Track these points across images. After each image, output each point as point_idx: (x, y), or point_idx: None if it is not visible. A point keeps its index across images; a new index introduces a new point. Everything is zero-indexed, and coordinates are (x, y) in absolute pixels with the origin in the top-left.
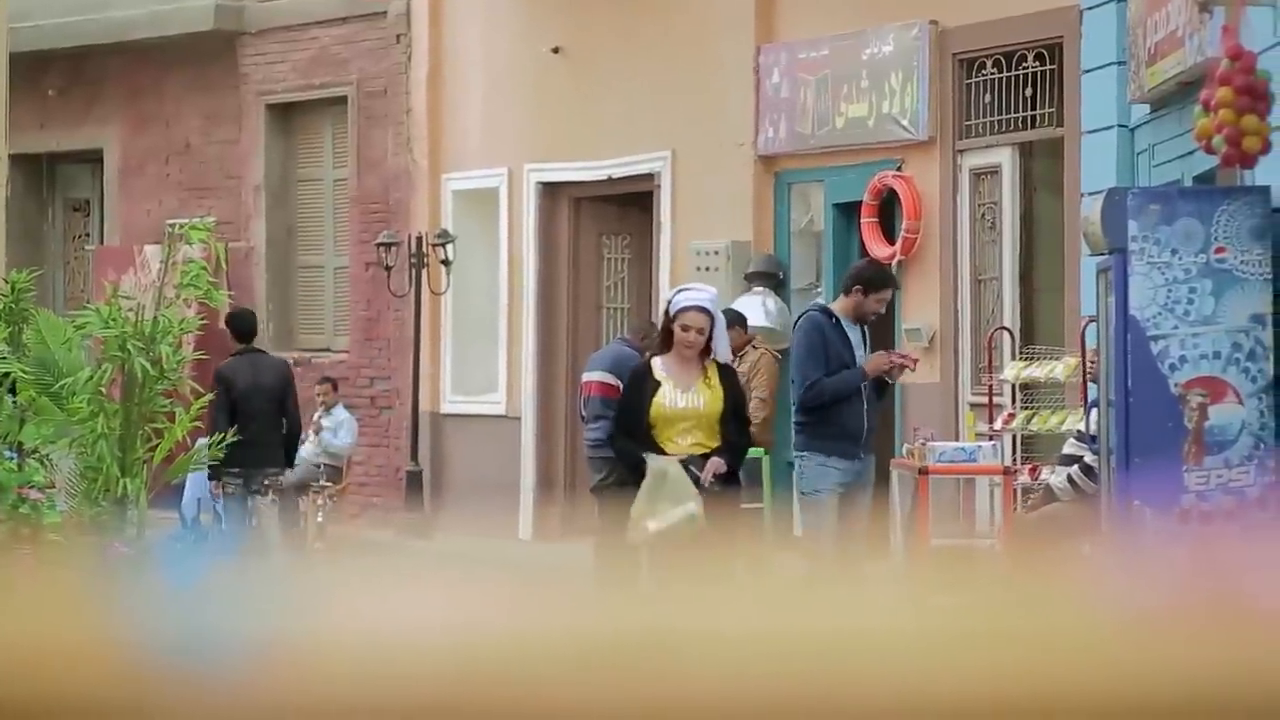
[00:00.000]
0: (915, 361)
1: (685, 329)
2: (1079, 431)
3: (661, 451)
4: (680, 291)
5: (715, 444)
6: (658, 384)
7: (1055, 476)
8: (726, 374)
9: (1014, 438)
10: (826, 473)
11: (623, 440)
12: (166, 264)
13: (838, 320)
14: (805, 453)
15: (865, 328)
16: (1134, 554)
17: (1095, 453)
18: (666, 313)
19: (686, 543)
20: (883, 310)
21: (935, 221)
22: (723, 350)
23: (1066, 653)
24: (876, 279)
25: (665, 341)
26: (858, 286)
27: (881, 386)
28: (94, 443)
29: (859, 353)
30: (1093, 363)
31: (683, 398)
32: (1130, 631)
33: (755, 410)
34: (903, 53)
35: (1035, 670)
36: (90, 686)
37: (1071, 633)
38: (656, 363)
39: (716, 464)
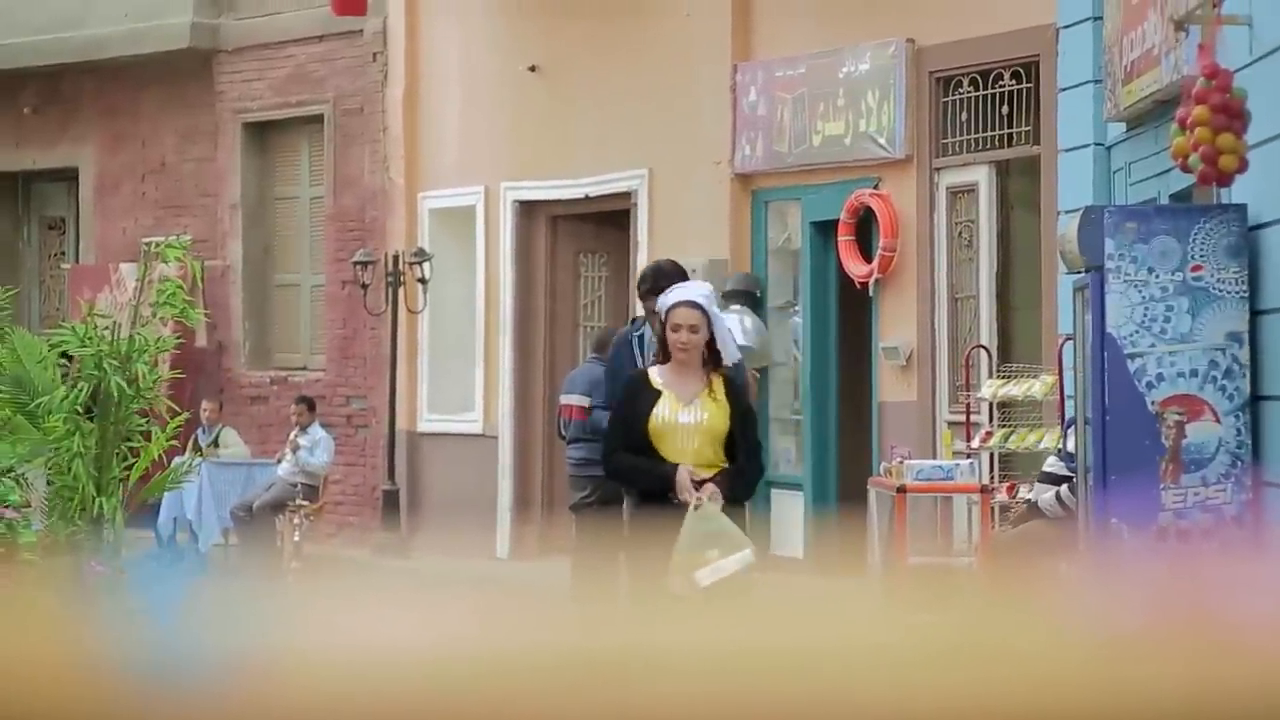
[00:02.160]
0: None
1: (676, 328)
2: (1059, 449)
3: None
4: (669, 292)
5: (719, 465)
6: (657, 393)
7: (1043, 495)
8: (732, 388)
9: (991, 456)
10: None
11: (626, 456)
12: (142, 282)
13: None
14: None
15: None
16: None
17: (1074, 470)
18: (661, 320)
19: (740, 595)
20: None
21: (912, 240)
22: (729, 351)
23: (1044, 670)
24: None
25: (664, 352)
26: None
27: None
28: (70, 462)
29: None
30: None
31: (685, 411)
32: (1108, 649)
33: None
34: (879, 71)
35: (1014, 687)
36: (66, 705)
37: (1049, 650)
38: (654, 371)
39: (711, 491)
